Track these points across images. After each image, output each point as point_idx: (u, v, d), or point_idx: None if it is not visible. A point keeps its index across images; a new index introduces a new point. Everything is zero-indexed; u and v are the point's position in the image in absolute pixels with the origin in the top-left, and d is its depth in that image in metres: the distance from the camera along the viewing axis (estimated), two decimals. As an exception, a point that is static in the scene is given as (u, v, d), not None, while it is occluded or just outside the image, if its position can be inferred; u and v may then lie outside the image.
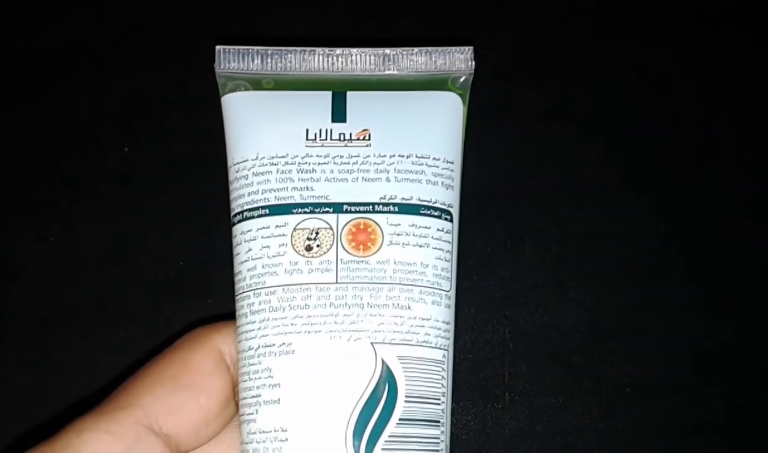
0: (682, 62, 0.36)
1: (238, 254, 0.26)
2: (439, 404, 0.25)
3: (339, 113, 0.26)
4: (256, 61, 0.27)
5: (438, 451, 0.25)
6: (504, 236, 0.35)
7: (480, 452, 0.34)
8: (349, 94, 0.26)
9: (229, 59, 0.27)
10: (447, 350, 0.26)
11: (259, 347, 0.25)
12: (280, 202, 0.25)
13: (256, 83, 0.27)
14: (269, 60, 0.27)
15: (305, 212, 0.25)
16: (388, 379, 0.25)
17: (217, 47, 0.27)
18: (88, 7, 0.37)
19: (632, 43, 0.37)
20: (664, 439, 0.34)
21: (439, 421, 0.25)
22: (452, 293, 0.26)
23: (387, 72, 0.27)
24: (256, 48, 0.27)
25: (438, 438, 0.25)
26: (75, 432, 0.23)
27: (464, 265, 0.28)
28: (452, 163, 0.26)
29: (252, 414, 0.25)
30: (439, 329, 0.26)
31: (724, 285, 0.35)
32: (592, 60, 0.36)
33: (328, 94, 0.26)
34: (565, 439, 0.34)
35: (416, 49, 0.27)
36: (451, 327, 0.26)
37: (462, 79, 0.27)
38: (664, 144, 0.36)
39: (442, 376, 0.26)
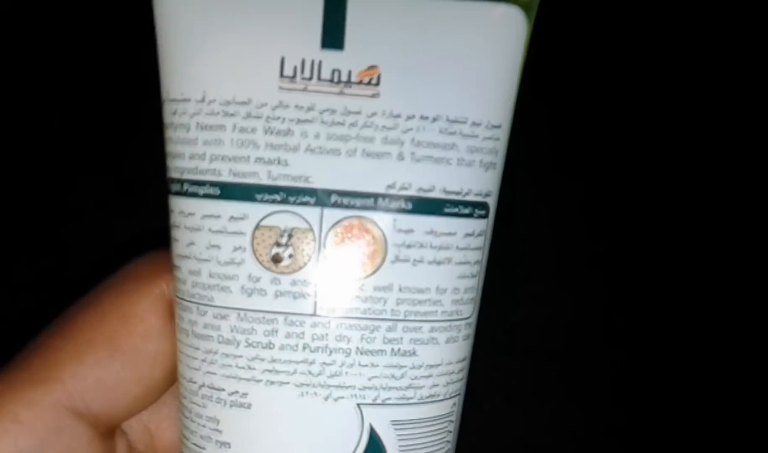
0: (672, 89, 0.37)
1: (176, 241, 0.17)
2: None
3: (334, 32, 0.16)
4: None
5: None
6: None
7: (474, 447, 0.31)
8: None
9: None
10: (459, 394, 0.18)
11: (203, 386, 0.17)
12: (236, 180, 0.16)
13: None
14: None
15: (274, 201, 0.16)
16: (374, 451, 0.17)
17: None
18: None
19: (622, 73, 0.37)
20: (645, 427, 0.36)
21: None
22: (474, 317, 0.18)
23: None
24: None
25: None
26: None
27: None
28: (499, 127, 0.17)
29: None
30: (452, 373, 0.18)
31: (705, 289, 0.37)
32: (590, 84, 0.37)
33: None
34: (550, 431, 0.35)
35: None
36: (468, 359, 0.19)
37: None
38: (653, 160, 0.37)
39: (449, 430, 0.18)
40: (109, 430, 0.19)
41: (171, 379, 0.19)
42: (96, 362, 0.18)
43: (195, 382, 0.17)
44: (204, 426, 0.17)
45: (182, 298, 0.17)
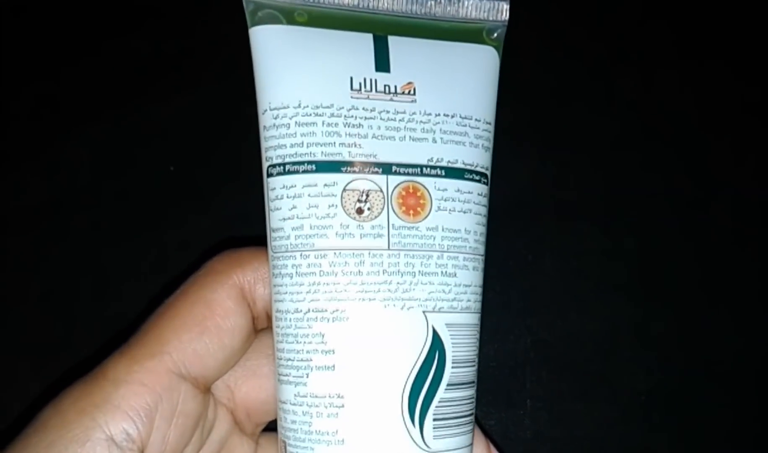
0: (690, 84, 0.38)
1: (278, 209, 0.24)
2: (474, 366, 0.25)
3: (382, 61, 0.24)
4: None
5: (472, 410, 0.25)
6: (525, 251, 0.36)
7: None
8: (391, 40, 0.24)
9: None
10: (480, 313, 0.25)
11: (309, 311, 0.23)
12: (327, 158, 0.23)
13: (288, 14, 0.24)
14: None
15: (354, 172, 0.23)
16: (438, 346, 0.24)
17: None
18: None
19: (645, 66, 0.38)
20: (677, 444, 0.36)
21: (474, 382, 0.25)
22: (484, 256, 0.26)
23: (422, 14, 0.25)
24: None
25: (473, 398, 0.25)
26: (111, 384, 0.23)
27: (487, 277, 0.27)
28: (490, 123, 0.25)
29: (301, 377, 0.23)
30: (477, 294, 0.25)
31: (735, 297, 0.36)
32: (609, 84, 0.38)
33: (369, 37, 0.24)
34: (582, 443, 0.35)
35: None
36: (482, 287, 0.26)
37: (496, 33, 0.26)
38: (676, 164, 0.37)
39: (477, 337, 0.25)
40: (205, 388, 0.25)
41: (245, 347, 0.25)
42: (190, 338, 0.24)
43: (300, 311, 0.23)
44: (310, 342, 0.23)
45: (285, 251, 0.23)
